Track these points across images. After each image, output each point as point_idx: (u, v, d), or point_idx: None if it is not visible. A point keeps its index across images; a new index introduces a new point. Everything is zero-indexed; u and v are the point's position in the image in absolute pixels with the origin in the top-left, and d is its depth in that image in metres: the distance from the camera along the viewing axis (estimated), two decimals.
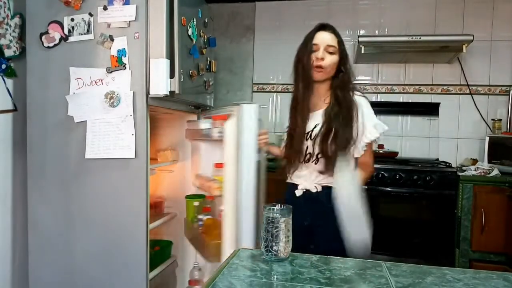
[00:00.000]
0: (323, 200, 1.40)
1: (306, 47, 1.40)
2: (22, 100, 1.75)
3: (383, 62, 2.92)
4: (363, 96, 1.45)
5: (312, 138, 1.41)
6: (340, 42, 1.42)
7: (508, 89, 2.72)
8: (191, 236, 2.00)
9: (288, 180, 1.53)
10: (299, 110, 1.41)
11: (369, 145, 1.42)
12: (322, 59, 1.38)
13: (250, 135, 1.59)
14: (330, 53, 1.39)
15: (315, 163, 1.42)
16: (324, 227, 1.40)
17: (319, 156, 1.40)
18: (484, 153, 2.56)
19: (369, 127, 1.39)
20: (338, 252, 1.17)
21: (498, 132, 2.66)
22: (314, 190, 1.42)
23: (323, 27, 1.43)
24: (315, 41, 1.40)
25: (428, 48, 2.52)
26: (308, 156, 1.43)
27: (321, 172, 1.40)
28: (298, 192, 1.46)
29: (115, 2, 1.60)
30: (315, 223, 1.42)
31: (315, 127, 1.40)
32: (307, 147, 1.43)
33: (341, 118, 1.36)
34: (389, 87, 2.94)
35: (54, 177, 1.69)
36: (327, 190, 1.41)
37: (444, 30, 2.76)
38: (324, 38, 1.40)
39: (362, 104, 1.41)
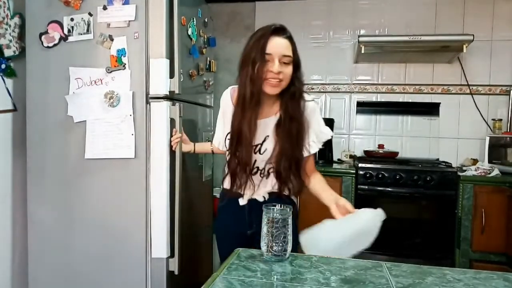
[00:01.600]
0: None
1: (257, 55, 1.19)
2: (22, 100, 1.74)
3: (383, 62, 2.91)
4: (312, 100, 1.33)
5: (261, 152, 1.28)
6: (295, 50, 1.25)
7: (508, 89, 2.72)
8: None
9: (227, 186, 1.37)
10: (247, 119, 1.23)
11: (310, 155, 1.36)
12: (279, 72, 1.19)
13: (158, 135, 1.59)
14: (285, 63, 1.21)
15: (266, 178, 1.31)
16: None
17: (270, 171, 1.30)
18: (485, 153, 2.56)
19: (312, 138, 1.32)
20: None
21: (499, 132, 2.65)
22: (261, 200, 1.32)
23: (276, 31, 1.22)
24: (268, 50, 1.19)
25: (429, 48, 2.52)
26: (255, 170, 1.31)
27: (278, 194, 1.31)
28: (243, 201, 1.34)
29: (114, 2, 1.59)
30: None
31: (264, 140, 1.27)
32: (255, 161, 1.30)
33: (294, 134, 1.26)
34: (389, 87, 2.93)
35: (54, 177, 1.69)
36: (273, 196, 1.32)
37: (445, 30, 2.75)
38: (279, 47, 1.20)
39: (310, 111, 1.31)
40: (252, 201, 1.34)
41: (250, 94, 1.21)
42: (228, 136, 1.31)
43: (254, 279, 0.83)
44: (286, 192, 1.32)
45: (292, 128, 1.25)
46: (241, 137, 1.25)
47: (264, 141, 1.28)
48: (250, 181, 1.30)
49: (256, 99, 1.22)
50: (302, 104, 1.28)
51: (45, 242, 1.71)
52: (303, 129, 1.28)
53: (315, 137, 1.33)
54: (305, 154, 1.32)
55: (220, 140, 1.43)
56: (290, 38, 1.24)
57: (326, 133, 1.37)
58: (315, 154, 1.39)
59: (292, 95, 1.26)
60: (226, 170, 1.35)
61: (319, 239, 1.06)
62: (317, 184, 1.35)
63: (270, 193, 1.33)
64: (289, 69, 1.23)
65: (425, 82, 2.87)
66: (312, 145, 1.33)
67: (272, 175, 1.31)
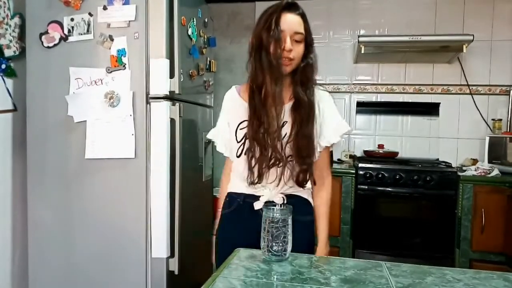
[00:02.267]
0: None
1: (270, 32, 1.11)
2: (22, 100, 1.75)
3: (383, 62, 2.91)
4: (325, 90, 1.28)
5: (280, 139, 1.16)
6: (307, 28, 1.17)
7: (508, 89, 2.72)
8: None
9: (235, 190, 1.24)
10: (270, 107, 1.14)
11: (326, 148, 1.26)
12: (291, 50, 1.13)
13: (159, 135, 1.59)
14: (297, 41, 1.15)
15: (283, 169, 1.17)
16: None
17: (289, 159, 1.17)
18: (484, 153, 2.56)
19: (330, 128, 1.23)
20: None
21: (498, 132, 2.65)
22: (280, 202, 1.18)
23: (288, 7, 1.14)
24: (281, 25, 1.12)
25: (428, 48, 2.52)
26: (273, 161, 1.16)
27: (299, 184, 1.19)
28: (258, 205, 1.17)
29: (115, 2, 1.60)
30: None
31: (283, 125, 1.17)
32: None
33: (305, 120, 1.16)
34: (389, 87, 2.93)
35: (54, 177, 1.69)
36: (291, 199, 1.19)
37: (444, 30, 2.75)
38: (291, 23, 1.13)
39: (324, 100, 1.24)
40: (269, 204, 1.19)
41: (271, 74, 1.13)
42: (241, 126, 1.20)
43: (254, 279, 0.83)
44: (303, 192, 1.23)
45: (298, 113, 1.17)
46: (268, 127, 1.14)
47: (282, 126, 1.17)
48: (271, 171, 1.17)
49: (279, 79, 1.13)
50: (310, 88, 1.21)
51: (45, 241, 1.71)
52: (313, 116, 1.18)
53: (330, 130, 1.23)
54: (318, 148, 1.21)
55: (226, 144, 1.29)
56: (303, 15, 1.17)
57: (343, 124, 1.25)
58: (329, 150, 1.30)
59: (303, 77, 1.19)
60: (235, 170, 1.25)
61: None
62: (320, 207, 1.27)
63: (287, 195, 1.20)
64: (300, 48, 1.16)
65: (425, 82, 2.87)
66: (327, 136, 1.22)
67: (288, 167, 1.18)
